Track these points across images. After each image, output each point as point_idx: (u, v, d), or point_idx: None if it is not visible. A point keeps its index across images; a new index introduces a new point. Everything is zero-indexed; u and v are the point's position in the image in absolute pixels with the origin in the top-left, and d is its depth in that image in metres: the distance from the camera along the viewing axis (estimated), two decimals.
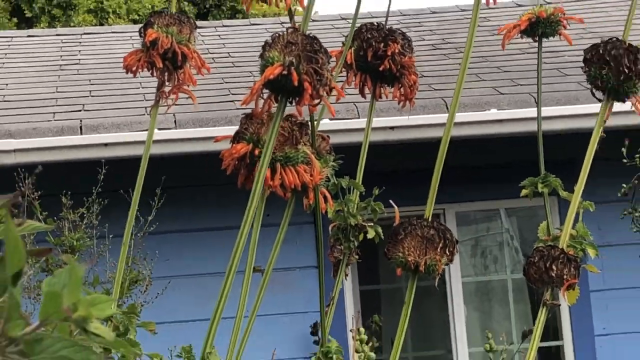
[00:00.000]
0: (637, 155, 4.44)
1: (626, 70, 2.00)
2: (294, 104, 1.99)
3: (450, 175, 5.27)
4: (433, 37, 9.87)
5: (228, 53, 9.81)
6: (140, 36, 2.16)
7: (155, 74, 2.19)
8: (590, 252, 2.12)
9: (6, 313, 0.83)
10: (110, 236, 6.10)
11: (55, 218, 6.06)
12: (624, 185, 4.64)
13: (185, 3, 22.68)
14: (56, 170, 6.98)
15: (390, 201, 2.34)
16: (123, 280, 6.21)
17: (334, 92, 2.07)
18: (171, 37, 2.12)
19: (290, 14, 2.16)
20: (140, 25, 2.22)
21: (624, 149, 4.89)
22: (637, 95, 2.07)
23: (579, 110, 6.12)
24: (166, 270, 7.10)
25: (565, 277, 2.02)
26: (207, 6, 23.29)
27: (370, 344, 7.20)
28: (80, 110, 8.33)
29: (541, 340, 7.98)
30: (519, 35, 2.40)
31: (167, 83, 2.21)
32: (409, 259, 1.96)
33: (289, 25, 2.04)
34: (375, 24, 2.27)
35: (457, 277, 8.52)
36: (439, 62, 9.14)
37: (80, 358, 0.85)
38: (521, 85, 8.30)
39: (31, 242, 5.42)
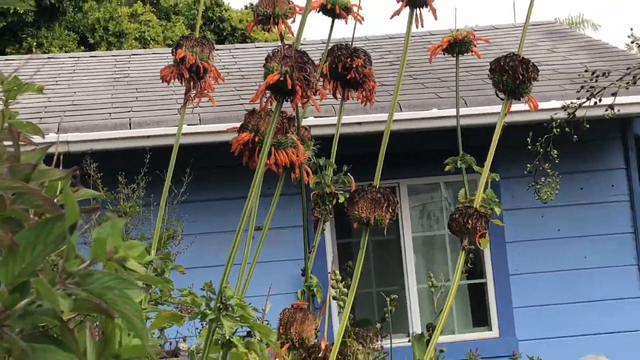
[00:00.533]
0: (538, 144, 4.45)
1: (520, 77, 2.03)
2: (289, 102, 2.01)
3: (404, 157, 5.22)
4: (390, 56, 9.87)
5: (239, 68, 9.80)
6: (172, 55, 2.17)
7: (183, 83, 2.19)
8: (496, 210, 2.14)
9: (66, 254, 0.84)
10: (155, 204, 6.10)
11: (112, 192, 6.11)
12: (529, 165, 4.66)
13: (208, 31, 22.64)
14: (113, 157, 7.01)
15: (348, 174, 2.35)
16: (161, 236, 6.25)
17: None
18: (195, 55, 2.13)
19: (281, 37, 2.17)
20: (175, 45, 2.23)
21: (529, 139, 4.92)
22: (529, 94, 2.09)
23: (496, 109, 6.16)
24: (193, 229, 7.12)
25: (478, 228, 2.04)
26: (224, 34, 23.28)
27: (344, 282, 7.21)
28: (129, 111, 8.32)
29: (470, 279, 8.02)
30: (442, 53, 2.40)
31: (192, 90, 2.22)
32: (362, 215, 1.98)
33: (287, 43, 2.06)
34: (344, 44, 2.27)
35: (408, 233, 8.54)
36: (394, 74, 9.14)
37: (122, 287, 0.86)
38: (454, 90, 8.31)
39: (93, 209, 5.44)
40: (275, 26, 2.17)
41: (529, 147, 4.59)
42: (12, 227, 0.88)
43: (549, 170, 4.39)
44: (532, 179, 4.58)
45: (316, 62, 2.22)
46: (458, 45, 2.36)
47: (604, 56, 9.52)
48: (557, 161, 4.72)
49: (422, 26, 2.08)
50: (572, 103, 4.58)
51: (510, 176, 7.90)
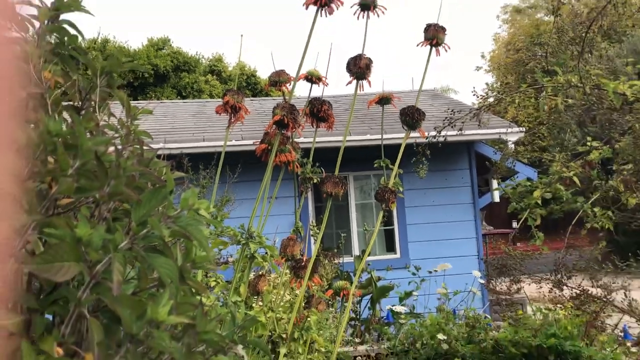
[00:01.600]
0: (420, 148, 4.41)
1: (415, 117, 2.03)
2: (286, 130, 2.02)
3: (351, 160, 5.19)
4: (344, 105, 9.84)
5: (264, 110, 9.75)
6: (222, 98, 2.17)
7: (227, 114, 2.19)
8: (400, 188, 2.15)
9: (166, 205, 0.86)
10: (219, 182, 6.10)
11: (195, 174, 6.11)
12: (414, 158, 4.62)
13: (247, 90, 22.54)
14: (196, 157, 6.98)
15: (321, 168, 2.36)
16: (222, 199, 6.28)
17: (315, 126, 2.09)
18: (235, 99, 2.13)
19: (283, 93, 2.17)
20: (223, 94, 2.22)
21: (414, 145, 4.92)
22: (420, 128, 2.08)
23: (402, 135, 6.17)
24: (239, 196, 7.10)
25: (390, 198, 2.05)
26: (256, 91, 23.18)
27: (317, 226, 7.22)
28: (204, 133, 8.28)
29: (385, 226, 7.95)
30: (376, 104, 2.41)
31: (232, 118, 2.21)
32: (328, 190, 1.99)
33: (286, 99, 2.06)
34: (318, 98, 2.27)
35: (353, 200, 8.54)
36: (346, 114, 9.12)
37: (196, 224, 0.88)
38: (380, 125, 8.30)
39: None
40: (280, 88, 2.18)
41: (415, 148, 4.56)
42: (138, 191, 0.89)
43: (423, 160, 4.35)
44: (416, 169, 4.55)
45: (302, 107, 2.23)
46: (383, 100, 2.36)
47: (459, 107, 9.54)
48: (429, 158, 4.69)
49: (363, 90, 2.09)
50: (439, 126, 4.58)
51: (407, 171, 7.92)
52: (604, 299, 3.91)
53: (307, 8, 2.01)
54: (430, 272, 6.96)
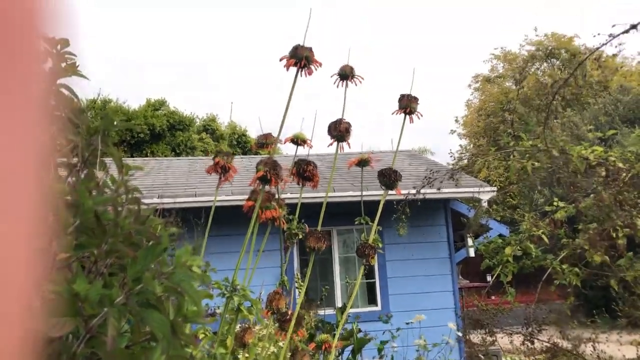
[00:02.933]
0: (400, 206, 4.44)
1: (392, 178, 2.06)
2: (269, 185, 2.03)
3: (334, 215, 5.20)
4: (328, 163, 9.93)
5: (253, 168, 9.79)
6: (212, 160, 2.18)
7: (217, 174, 2.20)
8: (379, 244, 2.15)
9: (161, 262, 0.86)
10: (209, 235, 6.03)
11: (186, 229, 6.02)
12: (394, 215, 4.64)
13: (238, 148, 22.67)
14: (188, 212, 6.93)
15: (304, 223, 2.36)
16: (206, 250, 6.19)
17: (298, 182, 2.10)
18: (224, 160, 2.14)
19: (269, 154, 2.19)
20: (214, 155, 2.23)
21: (394, 204, 4.93)
22: (397, 188, 2.11)
23: (380, 192, 6.20)
24: (227, 248, 7.02)
25: (370, 253, 2.05)
26: (246, 149, 23.34)
27: (302, 279, 7.14)
28: (195, 188, 8.26)
29: (367, 279, 7.89)
30: (356, 165, 2.43)
31: (222, 177, 2.21)
32: (311, 245, 1.99)
33: (270, 156, 2.07)
34: (304, 159, 2.29)
35: (336, 254, 8.50)
36: (329, 171, 9.19)
37: (189, 280, 0.87)
38: (360, 183, 8.37)
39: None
40: (267, 148, 2.21)
41: (395, 206, 4.58)
42: (134, 248, 0.90)
43: (403, 219, 4.38)
44: (396, 225, 4.57)
45: (289, 167, 2.25)
46: (363, 162, 2.39)
47: (436, 167, 9.68)
48: (409, 216, 4.72)
49: (343, 150, 2.12)
50: (419, 187, 4.63)
51: (388, 226, 7.93)
52: (574, 352, 3.89)
53: (287, 69, 2.06)
54: (407, 324, 6.87)
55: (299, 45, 1.97)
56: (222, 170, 2.13)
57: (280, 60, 1.98)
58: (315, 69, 2.03)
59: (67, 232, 0.84)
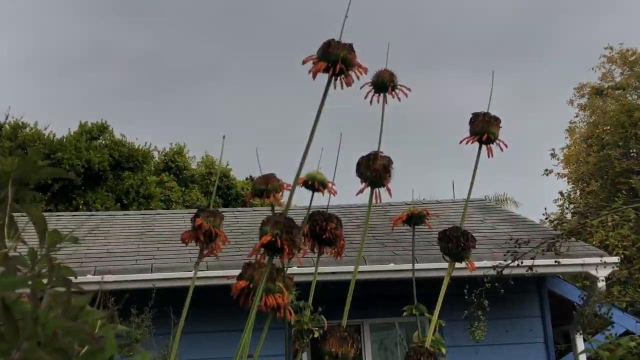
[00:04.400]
0: (473, 295, 4.43)
1: (462, 245, 2.03)
2: (279, 257, 2.02)
3: (367, 301, 5.22)
4: (357, 220, 9.94)
5: (239, 226, 9.84)
6: (191, 221, 2.16)
7: (198, 244, 2.19)
8: (442, 350, 2.11)
9: None
10: (160, 334, 5.99)
11: (127, 321, 6.07)
12: (466, 312, 4.61)
13: (217, 196, 22.83)
14: (135, 292, 6.95)
15: (321, 315, 2.34)
16: None
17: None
18: (209, 224, 2.14)
19: (272, 206, 2.19)
20: (191, 209, 2.23)
21: (465, 290, 4.90)
22: (470, 259, 2.08)
23: (438, 265, 6.10)
24: (196, 354, 6.99)
25: None
26: (229, 198, 23.47)
27: None
28: (152, 258, 8.31)
29: None
30: (403, 223, 2.42)
31: (205, 249, 2.21)
32: (332, 350, 1.96)
33: (279, 211, 2.07)
34: (322, 210, 2.29)
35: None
36: (360, 234, 9.21)
37: None
38: (408, 250, 8.36)
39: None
40: (268, 198, 2.20)
41: (466, 297, 4.56)
42: (61, 357, 0.88)
43: (481, 316, 4.35)
44: (469, 323, 4.53)
45: (299, 223, 2.24)
46: (414, 218, 2.38)
47: (523, 227, 9.63)
48: (487, 309, 4.69)
49: (380, 201, 2.10)
50: (500, 264, 4.61)
51: (450, 319, 7.84)
52: None
53: (314, 77, 2.03)
54: None
55: (333, 40, 1.95)
56: (206, 238, 2.13)
57: (304, 63, 1.96)
58: (358, 78, 2.00)
59: None
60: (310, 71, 1.98)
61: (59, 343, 0.91)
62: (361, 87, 2.14)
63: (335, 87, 2.02)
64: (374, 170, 2.06)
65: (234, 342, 2.07)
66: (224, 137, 2.51)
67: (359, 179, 2.15)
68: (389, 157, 2.10)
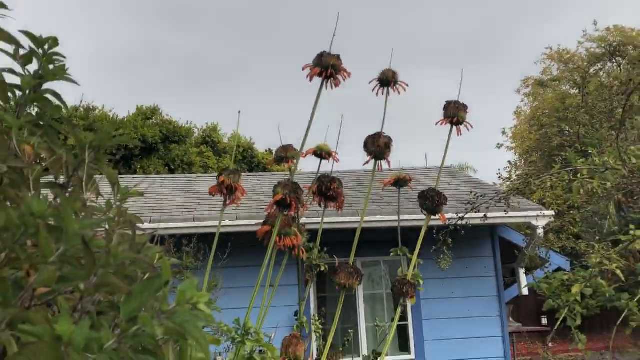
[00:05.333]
0: (441, 235, 4.41)
1: (436, 202, 2.03)
2: (289, 210, 2.02)
3: (360, 244, 5.18)
4: (353, 182, 9.92)
5: (261, 187, 9.82)
6: (217, 179, 2.17)
7: (222, 195, 2.19)
8: (420, 281, 2.11)
9: (161, 299, 0.84)
10: (202, 268, 6.04)
11: (177, 257, 6.08)
12: (434, 246, 4.60)
13: (243, 164, 22.81)
14: (181, 237, 6.97)
15: (333, 255, 2.34)
16: (209, 285, 6.23)
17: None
18: (230, 180, 2.14)
19: (290, 170, 2.19)
20: (218, 174, 2.23)
21: (434, 236, 4.89)
22: (442, 213, 2.08)
23: (419, 217, 6.12)
24: (231, 283, 7.03)
25: (408, 292, 2.02)
26: (253, 165, 23.43)
27: (320, 321, 7.10)
28: (194, 211, 8.31)
29: (399, 322, 7.87)
30: (391, 185, 2.41)
31: (228, 199, 2.21)
32: (342, 282, 1.97)
33: (288, 175, 2.06)
34: (327, 175, 2.28)
35: (361, 290, 8.45)
36: (356, 194, 9.18)
37: (194, 320, 0.85)
38: (393, 206, 8.34)
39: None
40: (287, 163, 2.20)
41: (435, 236, 4.53)
42: (128, 282, 0.88)
43: (445, 251, 4.33)
44: (437, 257, 4.51)
45: (309, 185, 2.24)
46: (400, 182, 2.37)
47: (480, 188, 9.61)
48: (451, 247, 4.68)
49: (382, 170, 2.11)
50: (462, 213, 4.59)
51: (423, 258, 7.87)
52: None
53: (311, 80, 2.05)
54: None
55: (325, 52, 1.96)
56: (228, 191, 2.13)
57: (303, 69, 1.97)
58: (344, 80, 2.02)
59: (49, 261, 0.82)
60: (308, 75, 2.02)
61: (126, 271, 0.91)
62: (369, 82, 2.15)
63: (327, 88, 2.06)
64: (378, 147, 2.07)
65: (258, 274, 2.08)
66: (239, 112, 2.51)
67: (365, 153, 2.16)
68: (389, 137, 2.10)
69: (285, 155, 2.16)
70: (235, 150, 24.00)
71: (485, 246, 8.71)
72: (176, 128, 23.26)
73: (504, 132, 30.26)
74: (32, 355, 0.73)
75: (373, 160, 2.09)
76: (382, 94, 2.13)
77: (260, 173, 14.77)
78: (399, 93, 2.10)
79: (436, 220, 3.18)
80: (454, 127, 2.18)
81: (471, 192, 4.73)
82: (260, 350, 2.25)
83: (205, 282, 2.40)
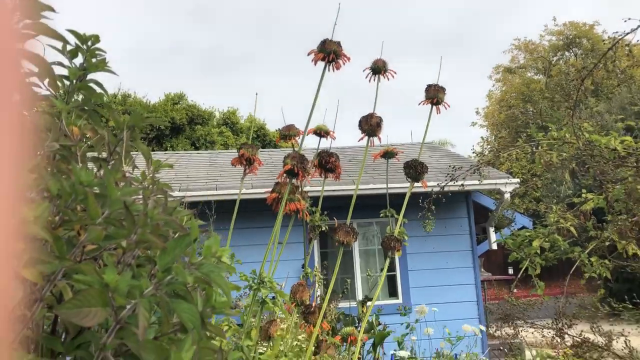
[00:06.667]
0: (425, 203, 4.42)
1: (418, 170, 2.03)
2: (296, 179, 2.02)
3: (355, 208, 5.17)
4: (349, 156, 9.91)
5: (273, 161, 9.81)
6: (238, 151, 2.17)
7: (242, 166, 2.19)
8: (405, 237, 2.12)
9: (190, 253, 0.85)
10: (225, 228, 6.08)
11: (208, 222, 6.08)
12: (420, 213, 4.61)
13: (257, 142, 22.75)
14: (209, 204, 6.98)
15: (333, 217, 2.34)
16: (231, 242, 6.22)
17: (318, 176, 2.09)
18: (249, 153, 2.14)
19: (293, 146, 2.18)
20: (238, 147, 2.22)
21: (420, 201, 4.89)
22: (423, 180, 2.08)
23: (406, 185, 6.13)
24: (247, 242, 7.06)
25: (395, 246, 2.03)
26: (265, 143, 23.37)
27: (323, 272, 7.16)
28: (216, 181, 8.31)
29: (388, 272, 7.89)
30: (380, 157, 2.41)
31: (247, 169, 2.21)
32: (341, 239, 1.97)
33: (295, 150, 2.06)
34: (326, 150, 2.28)
35: (357, 247, 8.49)
36: (353, 166, 9.17)
37: (218, 271, 0.87)
38: (384, 176, 8.33)
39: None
40: (290, 140, 2.20)
41: (420, 204, 4.54)
42: (163, 239, 0.89)
43: (430, 217, 4.35)
44: (422, 221, 4.53)
45: (311, 158, 2.24)
46: (388, 154, 2.36)
47: (457, 160, 9.59)
48: (434, 212, 4.69)
49: (373, 145, 2.10)
50: (441, 184, 4.59)
51: (410, 219, 7.89)
52: (605, 347, 3.81)
53: (315, 64, 2.04)
54: (434, 310, 6.83)
55: (327, 39, 1.95)
56: (247, 162, 2.13)
57: (308, 54, 1.96)
58: (344, 64, 2.01)
59: (96, 222, 0.84)
60: (312, 60, 2.01)
61: (161, 230, 0.92)
62: (363, 70, 2.13)
63: (329, 70, 2.05)
64: (370, 125, 2.05)
65: (269, 234, 2.10)
66: (256, 93, 2.50)
67: (359, 130, 2.15)
68: (380, 117, 2.09)
69: (289, 133, 2.16)
70: (252, 129, 23.91)
71: (461, 209, 8.73)
72: (200, 112, 23.19)
73: (477, 112, 30.14)
74: (84, 300, 0.75)
75: (366, 137, 2.08)
76: (374, 80, 2.12)
77: (271, 149, 14.76)
78: (388, 79, 2.08)
79: (421, 189, 3.18)
80: (434, 107, 2.17)
81: (450, 165, 4.73)
82: (273, 297, 2.28)
83: (228, 240, 2.40)
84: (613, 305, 4.30)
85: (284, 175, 2.06)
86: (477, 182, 5.38)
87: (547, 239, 3.06)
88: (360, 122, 2.08)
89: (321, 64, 2.04)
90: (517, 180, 8.06)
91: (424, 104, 2.14)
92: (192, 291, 0.93)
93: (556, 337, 3.81)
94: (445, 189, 4.76)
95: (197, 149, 21.46)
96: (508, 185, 7.73)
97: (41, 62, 1.03)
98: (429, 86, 2.12)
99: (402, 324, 7.11)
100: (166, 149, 20.99)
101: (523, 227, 7.04)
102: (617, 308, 4.33)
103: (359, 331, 2.17)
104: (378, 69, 2.08)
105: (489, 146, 26.98)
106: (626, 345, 3.91)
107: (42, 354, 0.90)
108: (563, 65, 26.81)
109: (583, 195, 3.27)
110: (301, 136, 2.22)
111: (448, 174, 4.44)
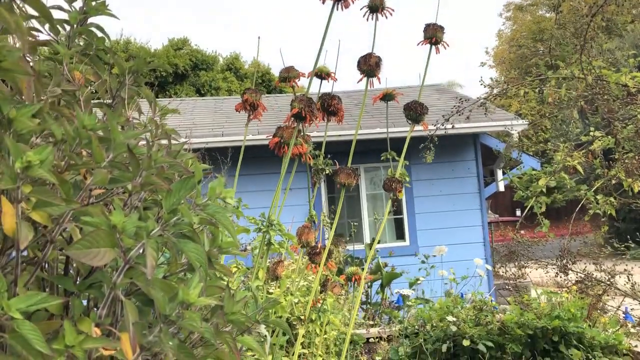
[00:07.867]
0: (428, 138, 4.38)
1: (419, 111, 2.02)
2: (303, 122, 2.02)
3: (362, 153, 5.17)
4: (353, 99, 9.82)
5: (278, 106, 9.75)
6: (241, 97, 2.16)
7: (246, 111, 2.19)
8: (407, 179, 2.13)
9: (195, 195, 0.86)
10: (231, 175, 6.10)
11: (213, 166, 6.10)
12: (423, 144, 4.56)
13: (262, 87, 22.53)
14: (215, 151, 7.00)
15: (335, 160, 2.35)
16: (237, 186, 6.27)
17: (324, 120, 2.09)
18: (253, 97, 2.13)
19: (293, 89, 2.17)
20: (242, 92, 2.20)
21: (426, 146, 4.87)
22: (424, 122, 2.07)
23: (407, 128, 6.11)
24: (254, 187, 7.12)
25: (397, 187, 2.04)
26: (271, 88, 23.17)
27: (330, 215, 7.24)
28: (222, 128, 8.30)
29: (395, 215, 7.93)
30: (380, 100, 2.39)
31: (251, 115, 2.20)
32: (342, 181, 1.99)
33: (301, 94, 2.05)
34: (329, 93, 2.26)
35: (364, 191, 8.54)
36: (355, 109, 9.10)
37: (223, 212, 0.88)
38: (391, 120, 8.29)
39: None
40: (290, 82, 2.18)
41: (424, 143, 4.51)
42: (167, 182, 0.90)
43: (431, 147, 4.30)
44: (424, 159, 4.49)
45: (318, 104, 2.23)
46: (388, 96, 2.34)
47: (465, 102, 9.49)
48: (438, 152, 4.65)
49: (373, 86, 2.07)
50: (448, 115, 4.53)
51: (416, 162, 7.90)
52: (608, 283, 3.88)
53: (323, 2, 1.99)
54: (435, 256, 6.94)
55: None
56: (251, 108, 2.12)
57: None
58: (352, 2, 1.96)
59: (102, 166, 0.85)
60: None
61: (165, 173, 0.94)
62: (360, 9, 2.08)
63: (337, 9, 1.99)
64: (369, 65, 2.02)
65: (275, 179, 2.13)
66: (258, 37, 2.46)
67: (358, 72, 2.12)
68: (379, 57, 2.06)
69: (288, 75, 2.13)
70: (254, 74, 23.70)
71: (469, 151, 8.71)
72: (204, 57, 22.89)
73: (486, 52, 29.56)
74: (93, 241, 0.77)
75: (365, 78, 2.06)
76: (372, 19, 2.07)
77: (277, 94, 14.63)
78: (386, 17, 2.04)
79: (427, 132, 3.16)
80: (434, 47, 2.14)
81: (457, 102, 4.66)
82: (280, 240, 2.32)
83: (234, 184, 2.43)
84: (615, 245, 4.34)
85: (291, 119, 2.06)
86: (484, 122, 5.31)
87: (553, 178, 3.04)
88: (358, 62, 2.06)
89: (329, 2, 2.00)
90: (526, 121, 8.00)
91: (422, 44, 2.11)
92: (199, 232, 0.95)
93: (560, 273, 3.87)
94: (453, 125, 4.70)
95: (202, 95, 21.34)
96: (516, 126, 7.68)
97: (40, 6, 1.02)
98: (427, 25, 2.08)
99: (410, 265, 7.24)
100: (170, 96, 20.87)
101: (532, 169, 7.04)
102: (619, 248, 4.38)
103: (363, 270, 2.22)
104: (375, 6, 2.04)
105: (498, 85, 26.66)
106: (628, 279, 3.99)
107: (57, 294, 0.93)
108: (575, 1, 26.04)
109: (591, 133, 3.24)
110: (301, 79, 2.19)
111: (454, 106, 4.37)
